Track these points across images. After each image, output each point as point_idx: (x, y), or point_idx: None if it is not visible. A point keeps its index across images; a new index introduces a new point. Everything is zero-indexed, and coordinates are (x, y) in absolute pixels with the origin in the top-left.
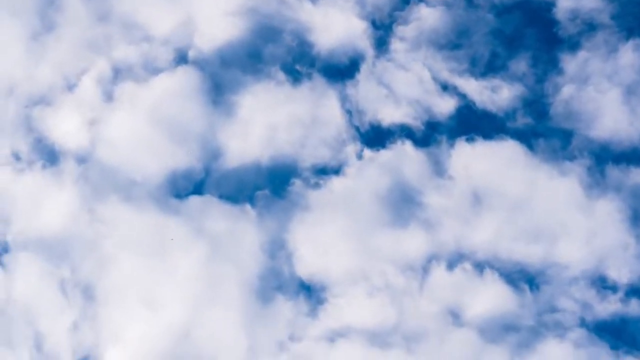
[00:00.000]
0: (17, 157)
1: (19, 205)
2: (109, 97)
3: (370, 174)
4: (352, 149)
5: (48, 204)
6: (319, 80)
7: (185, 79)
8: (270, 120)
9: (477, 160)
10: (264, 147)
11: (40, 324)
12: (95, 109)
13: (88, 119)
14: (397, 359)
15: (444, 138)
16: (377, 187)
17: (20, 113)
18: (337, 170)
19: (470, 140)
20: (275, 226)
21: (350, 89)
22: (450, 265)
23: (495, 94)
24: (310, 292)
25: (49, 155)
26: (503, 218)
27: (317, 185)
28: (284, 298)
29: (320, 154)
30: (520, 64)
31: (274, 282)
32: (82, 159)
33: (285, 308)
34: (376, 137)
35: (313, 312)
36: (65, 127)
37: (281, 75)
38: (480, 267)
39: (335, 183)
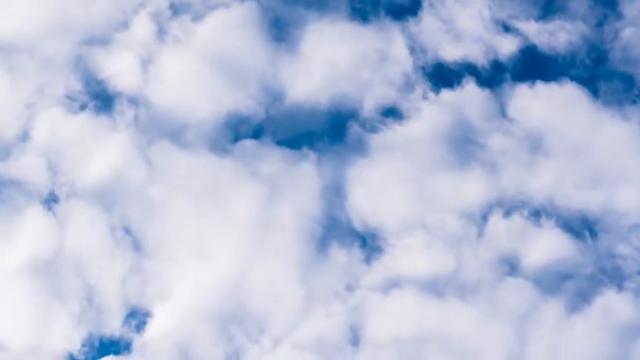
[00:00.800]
0: (69, 98)
1: (70, 149)
2: (164, 34)
3: (433, 115)
4: (416, 89)
5: (100, 147)
6: (383, 17)
7: (244, 14)
8: (332, 58)
9: (538, 103)
10: (326, 87)
11: (90, 276)
12: (150, 48)
13: (142, 59)
14: (453, 309)
15: (505, 79)
16: (440, 129)
17: (74, 52)
18: (400, 112)
19: (531, 82)
20: (334, 172)
21: (413, 27)
22: (509, 213)
23: (555, 37)
24: (367, 240)
25: (102, 97)
26: (563, 163)
27: (379, 128)
28: (340, 246)
29: (384, 95)
30: (580, 6)
31: (330, 230)
32: (135, 101)
33: (341, 256)
34: (440, 76)
35: (369, 261)
36: (119, 67)
37: (345, 11)
38: (538, 214)
39: (398, 125)
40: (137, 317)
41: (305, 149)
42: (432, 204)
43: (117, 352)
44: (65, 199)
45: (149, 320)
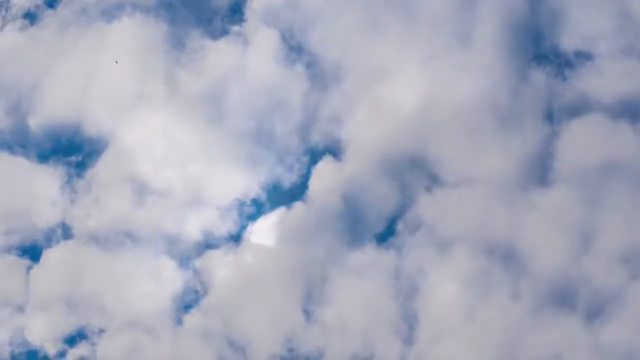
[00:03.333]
0: None
1: None
2: None
3: None
4: None
5: None
6: None
7: None
8: None
9: None
10: None
11: (264, 109)
12: None
13: None
14: None
15: None
16: None
17: None
18: None
19: None
20: None
21: None
22: None
23: None
24: (564, 60)
25: None
26: None
27: None
28: (538, 66)
29: None
30: None
31: (530, 48)
32: None
33: (539, 78)
34: None
35: (565, 83)
36: None
37: None
38: None
39: None
40: (308, 160)
41: None
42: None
43: (287, 202)
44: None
45: (315, 166)
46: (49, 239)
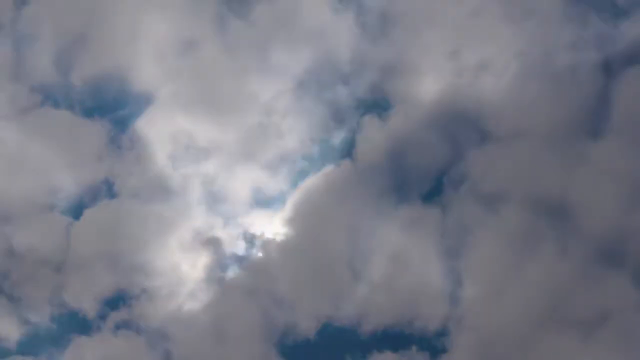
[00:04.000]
0: None
1: None
2: None
3: None
4: None
5: None
6: None
7: None
8: None
9: None
10: None
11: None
12: None
13: None
14: None
15: None
16: None
17: None
18: None
19: None
20: None
21: None
22: None
23: None
24: (619, 10)
25: None
26: None
27: None
28: (594, 16)
29: None
30: None
31: None
32: None
33: (595, 28)
34: None
35: (619, 32)
36: None
37: None
38: None
39: None
40: (356, 115)
41: None
42: None
43: (335, 160)
44: None
45: (363, 121)
46: (92, 196)
